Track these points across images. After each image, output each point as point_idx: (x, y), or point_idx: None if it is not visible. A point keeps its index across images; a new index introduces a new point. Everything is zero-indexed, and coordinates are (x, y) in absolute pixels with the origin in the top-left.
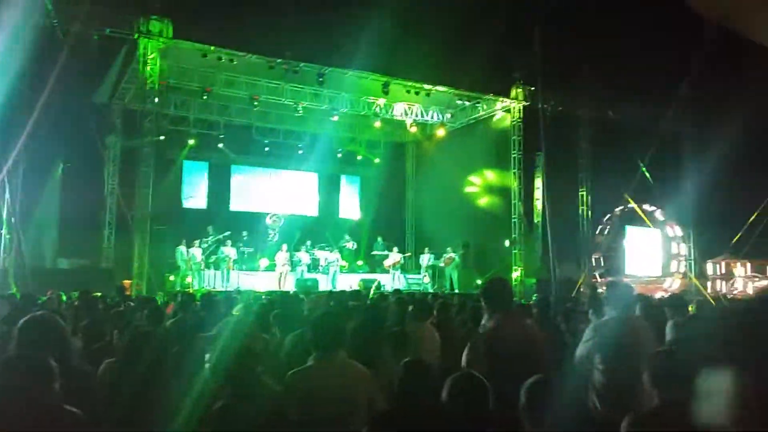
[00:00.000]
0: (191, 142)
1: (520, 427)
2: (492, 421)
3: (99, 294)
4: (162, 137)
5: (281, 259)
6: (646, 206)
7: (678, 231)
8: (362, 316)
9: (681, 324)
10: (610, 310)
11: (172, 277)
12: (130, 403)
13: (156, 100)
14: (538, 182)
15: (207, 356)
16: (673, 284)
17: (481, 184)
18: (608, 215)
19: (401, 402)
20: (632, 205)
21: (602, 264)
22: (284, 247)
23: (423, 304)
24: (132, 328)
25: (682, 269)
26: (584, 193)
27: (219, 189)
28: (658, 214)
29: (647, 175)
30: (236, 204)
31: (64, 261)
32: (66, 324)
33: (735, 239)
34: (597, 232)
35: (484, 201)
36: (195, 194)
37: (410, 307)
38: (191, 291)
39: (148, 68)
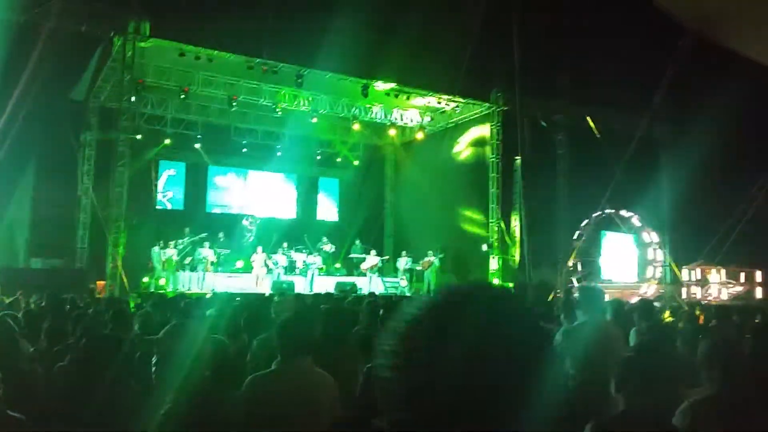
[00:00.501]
0: (167, 141)
1: None
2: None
3: (69, 296)
4: (138, 136)
5: (258, 261)
6: (623, 212)
7: (654, 237)
8: (332, 319)
9: (644, 331)
10: (581, 315)
11: (146, 279)
12: (78, 405)
13: (132, 99)
14: (517, 187)
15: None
16: (649, 290)
17: (459, 188)
18: (586, 221)
19: (362, 408)
20: (609, 211)
21: (579, 269)
22: (260, 249)
23: (392, 308)
24: (88, 331)
25: (658, 275)
26: (562, 198)
27: (196, 190)
28: (635, 220)
29: (623, 180)
30: (213, 205)
31: (37, 261)
32: (22, 327)
33: (709, 246)
34: (575, 237)
35: (462, 205)
36: (171, 195)
37: (381, 311)
38: (164, 292)
39: (124, 67)
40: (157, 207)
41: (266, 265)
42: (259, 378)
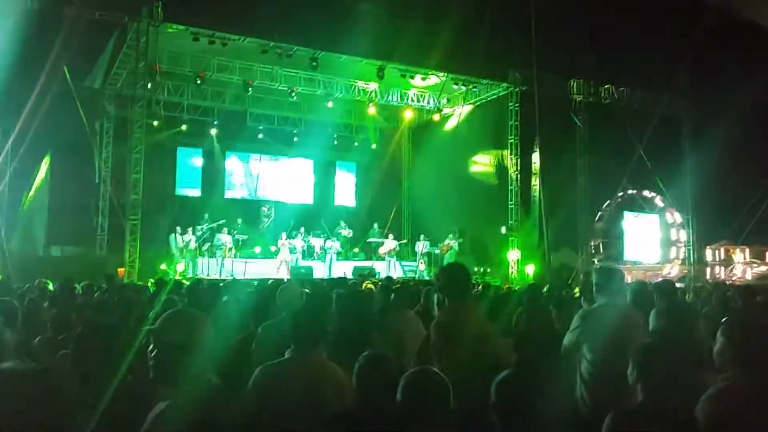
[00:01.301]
0: (183, 127)
1: (486, 427)
2: (452, 421)
3: (86, 283)
4: (155, 122)
5: (284, 246)
6: (645, 192)
7: (678, 217)
8: (346, 304)
9: (664, 312)
10: (600, 298)
11: (163, 265)
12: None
13: (149, 85)
14: (536, 168)
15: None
16: (672, 270)
17: (478, 170)
18: (608, 201)
19: (358, 401)
20: (632, 191)
21: (601, 250)
22: (284, 235)
23: (404, 291)
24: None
25: (682, 255)
26: (582, 178)
27: (213, 176)
28: (658, 200)
29: (646, 159)
30: (231, 191)
31: (57, 249)
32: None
33: (734, 225)
34: (596, 218)
35: (481, 187)
36: (189, 181)
37: (392, 295)
38: (179, 278)
39: (139, 52)
40: (176, 193)
41: (291, 249)
42: (270, 367)
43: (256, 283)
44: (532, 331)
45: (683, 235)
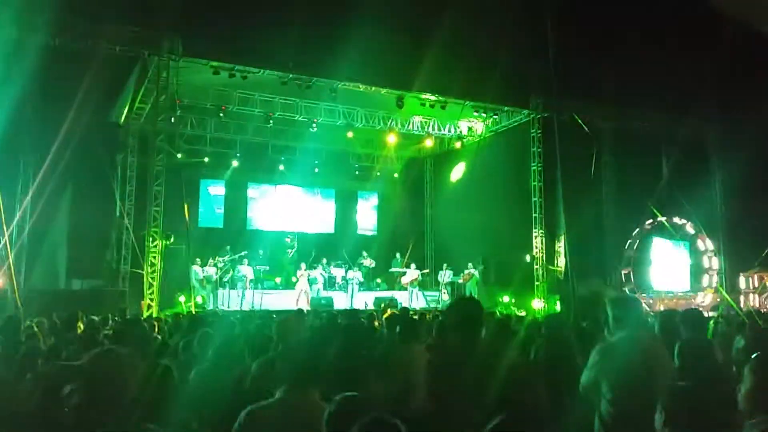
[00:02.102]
0: (206, 159)
1: None
2: None
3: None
4: (179, 155)
5: (303, 278)
6: (676, 219)
7: (709, 244)
8: (346, 338)
9: (689, 346)
10: (618, 330)
11: (182, 297)
12: None
13: (172, 119)
14: (558, 196)
15: None
16: (705, 299)
17: (501, 198)
18: (637, 229)
19: None
20: (661, 218)
21: (632, 279)
22: (303, 265)
23: (413, 324)
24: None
25: (714, 283)
26: (608, 205)
27: (236, 207)
28: (689, 227)
29: (671, 185)
30: (253, 222)
31: (77, 282)
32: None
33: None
34: (626, 246)
35: (504, 215)
36: (212, 213)
37: (398, 327)
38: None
39: (159, 86)
40: (199, 226)
41: (309, 282)
42: (255, 412)
43: (273, 315)
44: (552, 365)
45: (715, 263)
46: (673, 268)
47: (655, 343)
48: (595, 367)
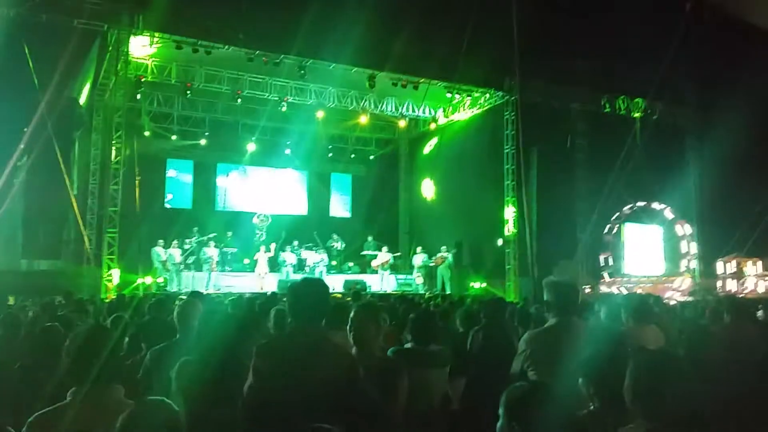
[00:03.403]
0: (173, 138)
1: None
2: None
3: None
4: (146, 133)
5: (261, 259)
6: (655, 204)
7: (687, 229)
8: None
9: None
10: (551, 317)
11: (141, 279)
12: None
13: (138, 96)
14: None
15: None
16: (684, 284)
17: (475, 181)
18: (617, 213)
19: None
20: (641, 203)
21: (610, 264)
22: (262, 248)
23: (339, 309)
24: None
25: (692, 268)
26: (581, 189)
27: (205, 188)
28: (668, 212)
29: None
30: (222, 203)
31: (32, 263)
32: None
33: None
34: (605, 231)
35: (478, 198)
36: (179, 193)
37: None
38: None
39: (119, 61)
40: (166, 206)
41: (268, 264)
42: (265, 344)
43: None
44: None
45: (693, 248)
46: (647, 253)
47: (582, 329)
48: (521, 355)
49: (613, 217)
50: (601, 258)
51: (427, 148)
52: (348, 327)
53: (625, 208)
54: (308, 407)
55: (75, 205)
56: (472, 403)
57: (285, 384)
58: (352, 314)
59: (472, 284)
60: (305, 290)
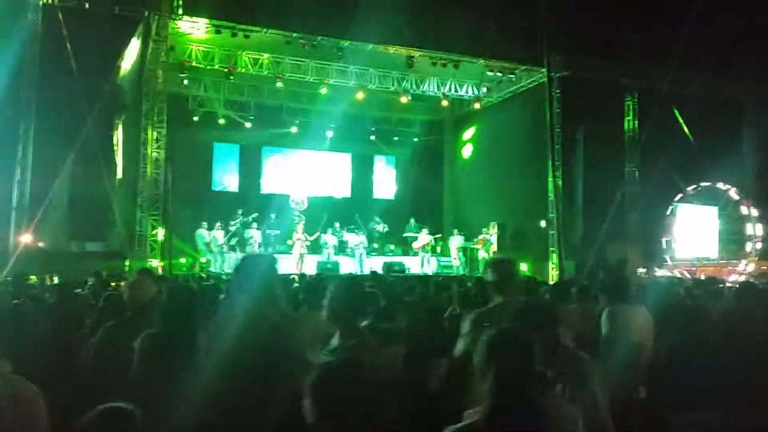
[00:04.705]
0: (221, 121)
1: None
2: None
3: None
4: (195, 118)
5: (298, 241)
6: (719, 184)
7: (754, 211)
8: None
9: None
10: (497, 297)
11: (183, 260)
12: None
13: (185, 81)
14: (579, 158)
15: None
16: (748, 267)
17: (519, 161)
18: (680, 195)
19: None
20: (705, 183)
21: (672, 247)
22: (300, 228)
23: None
24: None
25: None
26: (633, 169)
27: (250, 171)
28: (733, 193)
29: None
30: (268, 186)
31: (88, 245)
32: None
33: None
34: (668, 212)
35: (522, 178)
36: (226, 177)
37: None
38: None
39: (159, 46)
40: (213, 189)
41: (305, 246)
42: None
43: None
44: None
45: (760, 230)
46: (700, 235)
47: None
48: (467, 336)
49: (677, 198)
50: (663, 241)
51: (467, 134)
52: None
53: (689, 189)
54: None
55: (114, 189)
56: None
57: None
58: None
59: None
60: (247, 267)
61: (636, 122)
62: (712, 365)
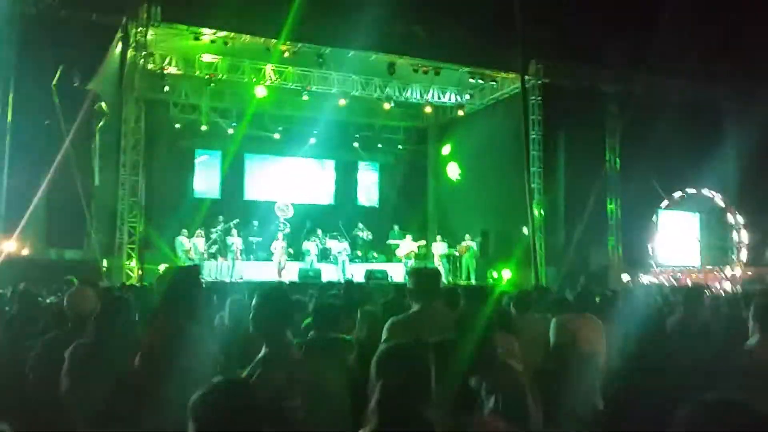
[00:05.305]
0: (203, 128)
1: None
2: None
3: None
4: (176, 125)
5: (278, 248)
6: (705, 191)
7: (740, 218)
8: None
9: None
10: (414, 304)
11: (162, 267)
12: None
13: (166, 88)
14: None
15: None
16: (734, 273)
17: (503, 168)
18: (666, 201)
19: None
20: (691, 190)
21: (656, 253)
22: (280, 235)
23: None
24: None
25: (744, 258)
26: (613, 175)
27: (233, 178)
28: (718, 200)
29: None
30: (250, 193)
31: (53, 252)
32: None
33: None
34: (653, 218)
35: (504, 185)
36: (208, 183)
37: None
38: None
39: (138, 53)
40: (195, 196)
41: (287, 253)
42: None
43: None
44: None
45: (745, 237)
46: (684, 242)
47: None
48: (381, 346)
49: (662, 205)
50: (649, 247)
51: (451, 141)
52: None
53: (674, 195)
54: None
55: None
56: None
57: None
58: None
59: (493, 273)
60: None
61: (617, 127)
62: (666, 376)
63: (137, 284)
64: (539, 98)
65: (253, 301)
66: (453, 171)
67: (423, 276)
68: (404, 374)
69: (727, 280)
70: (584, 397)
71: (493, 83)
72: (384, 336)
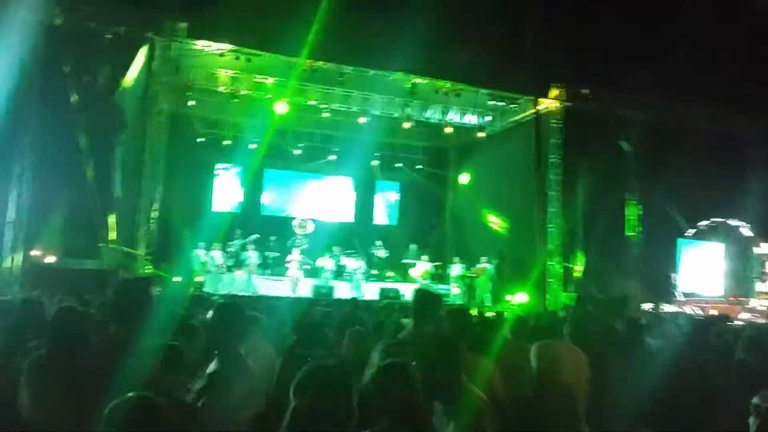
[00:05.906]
0: (225, 142)
1: None
2: None
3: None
4: (199, 140)
5: (293, 264)
6: (731, 221)
7: (766, 248)
8: None
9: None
10: (415, 326)
11: (176, 279)
12: None
13: (189, 102)
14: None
15: None
16: (761, 305)
17: (521, 190)
18: (692, 230)
19: None
20: (718, 219)
21: (678, 283)
22: (295, 251)
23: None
24: None
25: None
26: (634, 202)
27: (252, 193)
28: (745, 230)
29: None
30: (269, 208)
31: (70, 261)
32: None
33: None
34: (676, 247)
35: (522, 208)
36: (227, 198)
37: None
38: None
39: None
40: (213, 210)
41: (304, 269)
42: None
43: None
44: None
45: None
46: (704, 271)
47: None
48: (371, 369)
49: (690, 233)
50: (672, 276)
51: (471, 162)
52: None
53: (700, 224)
54: None
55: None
56: None
57: None
58: None
59: (507, 297)
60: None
61: (638, 154)
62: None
63: None
64: (560, 122)
65: (208, 315)
66: (470, 179)
67: (422, 298)
68: (317, 395)
69: (751, 312)
70: (564, 424)
71: (514, 106)
72: (376, 359)
